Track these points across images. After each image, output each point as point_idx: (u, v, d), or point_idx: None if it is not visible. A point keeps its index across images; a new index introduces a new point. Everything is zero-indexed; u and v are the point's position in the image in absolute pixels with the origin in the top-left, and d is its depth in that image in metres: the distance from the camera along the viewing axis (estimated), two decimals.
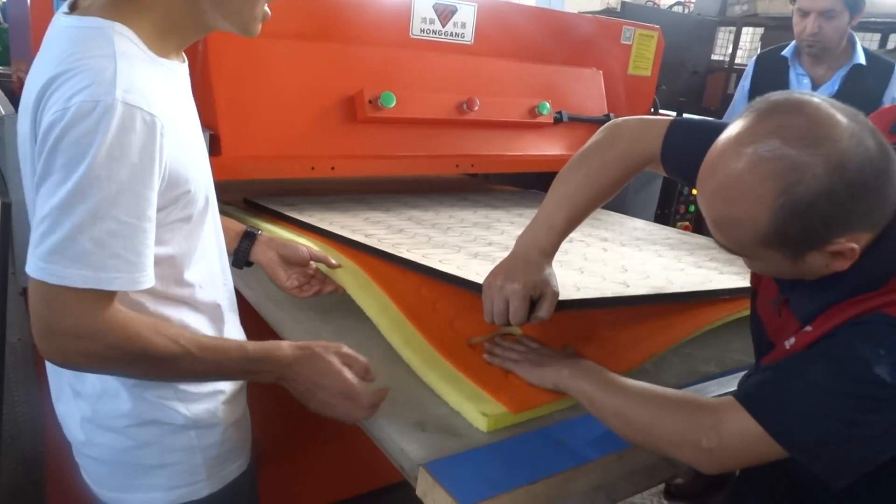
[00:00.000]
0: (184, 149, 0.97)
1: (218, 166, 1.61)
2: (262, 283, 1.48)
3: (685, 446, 0.91)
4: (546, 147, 2.25)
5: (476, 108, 2.02)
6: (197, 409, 1.08)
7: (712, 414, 0.89)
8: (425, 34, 2.04)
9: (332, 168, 1.81)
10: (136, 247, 0.88)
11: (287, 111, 1.78)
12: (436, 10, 2.04)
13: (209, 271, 1.11)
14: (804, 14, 2.57)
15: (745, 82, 2.96)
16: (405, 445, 0.97)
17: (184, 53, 1.05)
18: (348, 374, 1.04)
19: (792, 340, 0.94)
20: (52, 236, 0.84)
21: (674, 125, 1.17)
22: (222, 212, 1.87)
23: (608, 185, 1.20)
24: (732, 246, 0.90)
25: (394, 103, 1.87)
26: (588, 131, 2.37)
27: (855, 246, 0.83)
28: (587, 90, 2.39)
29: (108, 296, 0.89)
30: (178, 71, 1.02)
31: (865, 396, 0.81)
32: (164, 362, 0.95)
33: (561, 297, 1.15)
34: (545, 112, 2.19)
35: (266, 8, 1.01)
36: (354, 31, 1.92)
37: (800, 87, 2.72)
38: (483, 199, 2.26)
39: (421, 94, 1.97)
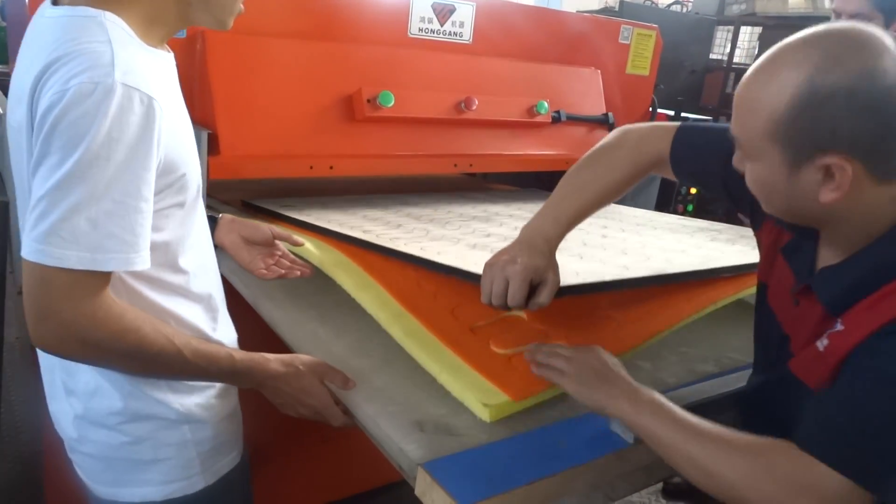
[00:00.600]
0: (178, 134, 0.99)
1: (216, 165, 1.62)
2: (260, 282, 1.48)
3: None
4: (544, 146, 2.25)
5: (474, 107, 2.02)
6: (190, 402, 1.09)
7: (809, 475, 0.83)
8: (423, 33, 2.04)
9: (331, 167, 1.81)
10: (133, 227, 0.88)
11: (285, 110, 1.78)
12: (434, 10, 2.04)
13: (202, 259, 1.12)
14: (837, 16, 2.54)
15: None
16: (404, 445, 0.96)
17: (167, 45, 1.06)
18: (329, 397, 1.11)
19: (825, 342, 0.90)
20: (48, 218, 0.84)
21: (682, 127, 1.19)
22: (214, 212, 1.87)
23: (616, 184, 1.20)
24: (742, 136, 0.90)
25: (392, 102, 1.87)
26: (586, 130, 2.37)
27: (848, 169, 0.82)
28: (585, 89, 2.40)
29: (104, 278, 0.89)
30: (167, 60, 1.03)
31: None
32: (156, 360, 0.96)
33: (561, 283, 1.13)
34: (543, 111, 2.19)
35: (240, 4, 1.06)
36: (353, 31, 1.92)
37: None
38: (482, 197, 2.26)
39: (419, 94, 1.97)
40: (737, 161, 0.94)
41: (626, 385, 1.00)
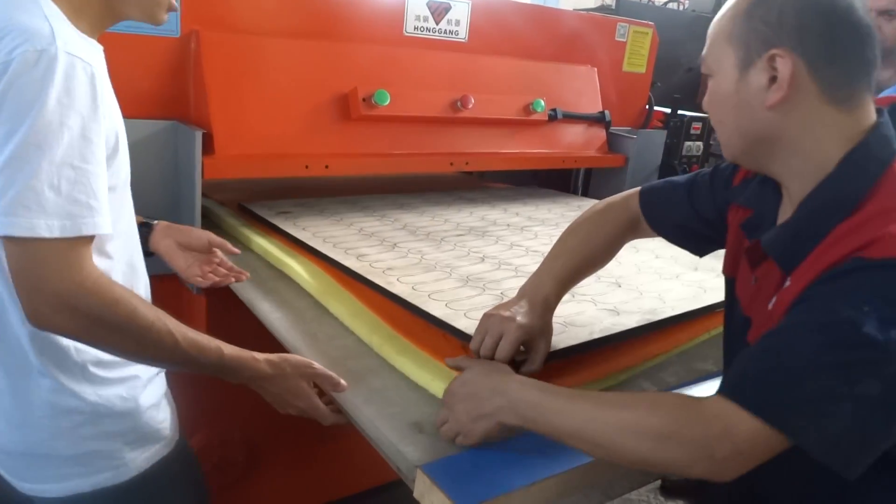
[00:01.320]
0: (111, 113, 1.00)
1: (210, 165, 1.61)
2: (257, 284, 1.47)
3: (697, 464, 0.82)
4: (540, 144, 2.25)
5: (470, 105, 2.01)
6: (110, 394, 1.07)
7: (718, 421, 0.80)
8: (419, 32, 2.03)
9: (326, 167, 1.80)
10: (95, 191, 0.90)
11: (281, 109, 1.77)
12: (429, 8, 2.03)
13: (126, 250, 1.11)
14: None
15: None
16: (402, 447, 0.95)
17: (98, 41, 1.05)
18: (315, 399, 1.12)
19: (774, 301, 0.89)
20: (10, 189, 0.84)
21: (643, 188, 1.25)
22: (213, 213, 1.86)
23: (600, 247, 1.23)
24: (708, 52, 0.93)
25: (388, 101, 1.86)
26: (583, 128, 2.37)
27: (789, 62, 0.84)
28: (582, 87, 2.39)
29: (82, 245, 0.90)
30: (98, 50, 1.02)
31: (860, 363, 0.76)
32: (146, 336, 0.95)
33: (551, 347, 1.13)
34: (539, 109, 2.19)
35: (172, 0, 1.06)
36: (348, 29, 1.92)
37: None
38: (480, 198, 2.25)
39: (415, 92, 1.97)
40: (702, 99, 0.97)
41: (484, 400, 0.96)
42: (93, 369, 1.05)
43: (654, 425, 0.83)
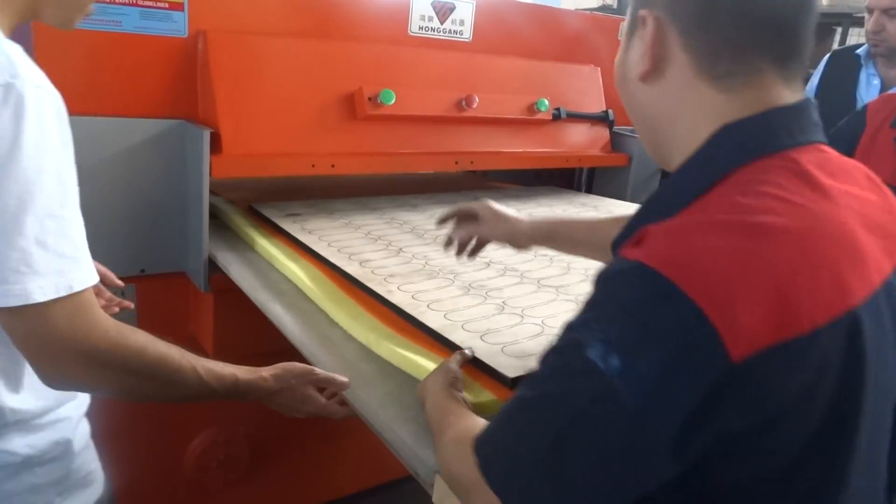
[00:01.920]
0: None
1: (218, 164, 1.61)
2: (270, 285, 1.47)
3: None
4: (545, 144, 2.26)
5: (475, 105, 2.02)
6: (41, 442, 0.96)
7: (466, 463, 0.69)
8: (424, 31, 2.04)
9: (333, 166, 1.80)
10: (75, 240, 0.82)
11: (287, 109, 1.77)
12: (434, 8, 2.03)
13: None
14: (870, 11, 2.52)
15: (815, 79, 2.89)
16: (420, 451, 0.95)
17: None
18: (322, 400, 1.13)
19: None
20: None
21: None
22: (221, 212, 1.86)
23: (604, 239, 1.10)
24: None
25: (393, 100, 1.86)
26: (587, 127, 2.38)
27: (651, 28, 0.69)
28: (585, 87, 2.40)
29: (85, 297, 0.83)
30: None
31: (580, 394, 0.56)
32: (174, 377, 0.92)
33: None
34: (543, 109, 2.19)
35: (91, 6, 0.97)
36: (354, 30, 1.92)
37: (869, 88, 2.65)
38: (491, 198, 2.23)
39: (420, 92, 1.97)
40: None
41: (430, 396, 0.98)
42: (23, 417, 0.94)
43: (443, 454, 0.81)
